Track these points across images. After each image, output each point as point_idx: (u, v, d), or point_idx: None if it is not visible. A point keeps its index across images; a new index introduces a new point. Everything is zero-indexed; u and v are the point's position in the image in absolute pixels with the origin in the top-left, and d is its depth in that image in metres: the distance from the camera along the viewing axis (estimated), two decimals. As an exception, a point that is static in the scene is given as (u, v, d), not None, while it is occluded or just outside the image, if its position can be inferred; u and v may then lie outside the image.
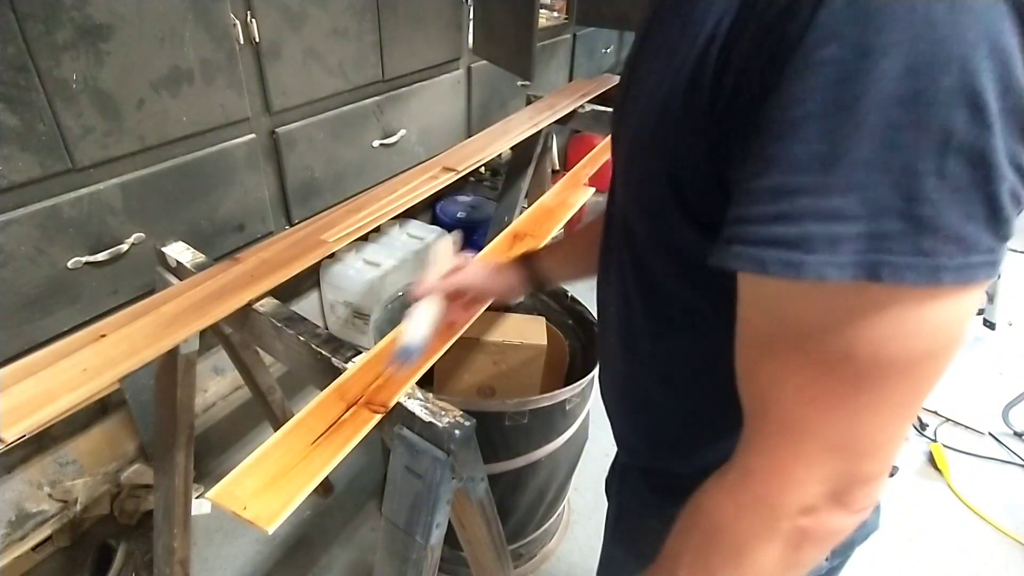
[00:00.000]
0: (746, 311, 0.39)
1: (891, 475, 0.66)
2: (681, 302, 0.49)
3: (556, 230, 1.29)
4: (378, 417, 0.74)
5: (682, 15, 0.40)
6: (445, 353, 0.90)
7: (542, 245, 0.88)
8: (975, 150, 0.30)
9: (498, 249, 1.15)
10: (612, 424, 0.68)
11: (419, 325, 0.77)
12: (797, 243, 0.33)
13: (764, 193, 0.34)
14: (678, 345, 0.49)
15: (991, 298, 2.43)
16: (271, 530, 0.61)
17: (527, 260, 0.85)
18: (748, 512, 0.41)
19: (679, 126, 0.41)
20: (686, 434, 0.56)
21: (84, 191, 1.23)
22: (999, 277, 2.33)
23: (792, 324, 0.36)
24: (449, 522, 0.81)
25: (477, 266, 0.87)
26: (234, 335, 1.28)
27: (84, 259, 1.25)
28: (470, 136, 1.80)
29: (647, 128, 0.45)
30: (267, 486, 0.65)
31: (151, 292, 0.98)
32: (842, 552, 0.62)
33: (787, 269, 0.33)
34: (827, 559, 0.59)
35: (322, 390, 0.79)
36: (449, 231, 2.41)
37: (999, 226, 0.32)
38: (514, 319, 1.34)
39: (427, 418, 0.75)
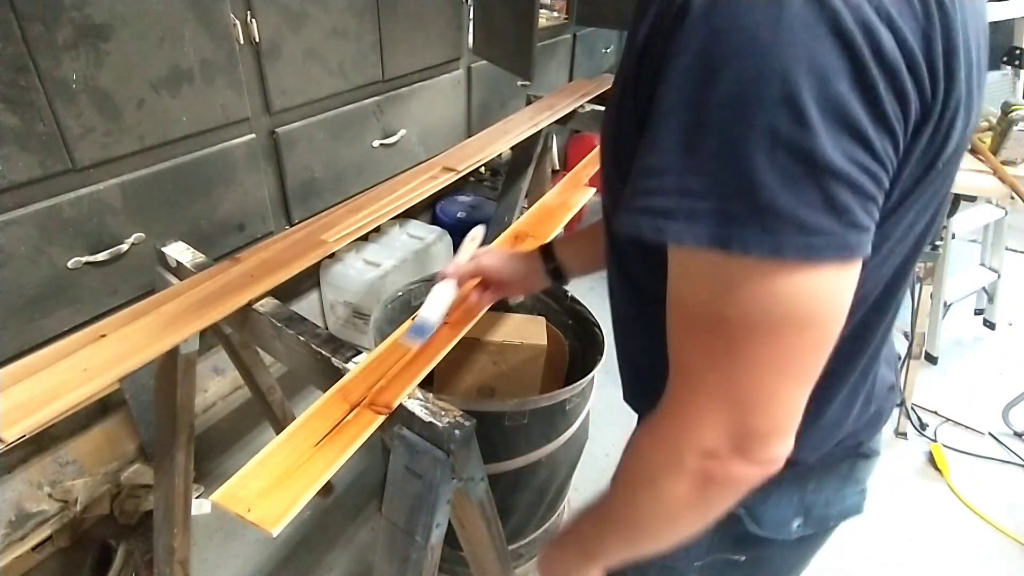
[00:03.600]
0: (670, 282, 0.45)
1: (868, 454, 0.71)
2: (646, 283, 0.55)
3: (557, 230, 1.29)
4: (381, 418, 0.74)
5: (634, 26, 0.47)
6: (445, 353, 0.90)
7: (559, 238, 0.93)
8: (800, 147, 0.36)
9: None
10: (622, 379, 0.74)
11: (435, 305, 0.83)
12: (663, 213, 0.40)
13: (643, 171, 0.41)
14: (650, 320, 0.54)
15: (991, 298, 2.43)
16: (276, 532, 0.60)
17: (546, 251, 0.89)
18: (659, 446, 0.48)
19: (622, 121, 0.48)
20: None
21: (84, 191, 1.23)
22: (998, 277, 2.33)
23: (688, 292, 0.44)
24: (449, 522, 0.81)
25: (497, 255, 0.92)
26: (234, 335, 1.28)
27: (84, 259, 1.25)
28: (470, 136, 1.80)
29: (609, 123, 0.53)
30: (271, 488, 0.65)
31: (151, 292, 0.98)
32: (817, 524, 0.67)
33: (656, 233, 0.40)
34: (798, 525, 0.66)
35: (323, 390, 0.79)
36: (449, 231, 2.41)
37: (841, 214, 0.38)
38: (514, 319, 1.34)
39: (427, 418, 0.75)
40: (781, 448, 0.45)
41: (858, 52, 0.36)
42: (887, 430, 2.08)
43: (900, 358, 2.04)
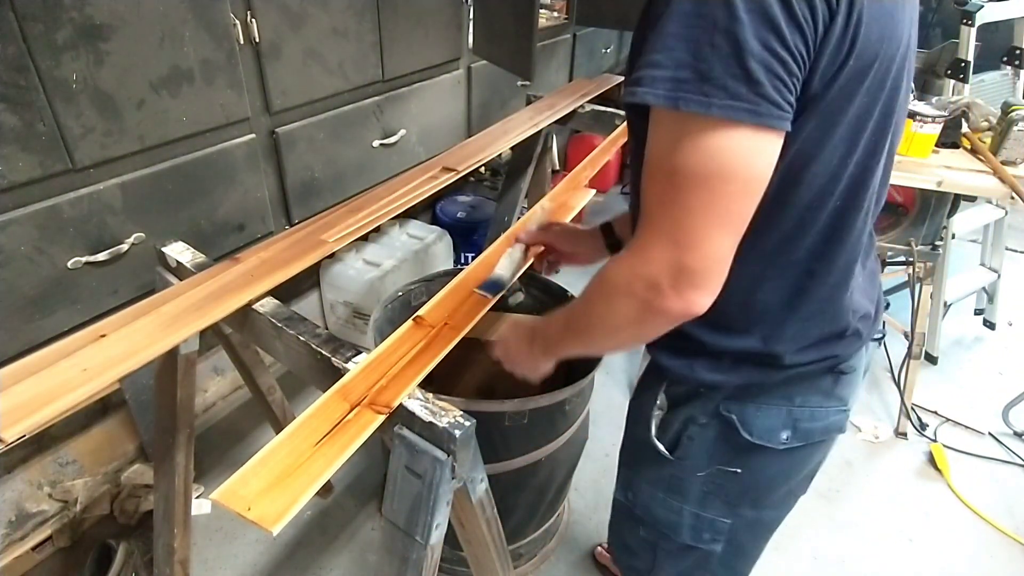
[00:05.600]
0: (647, 145, 0.58)
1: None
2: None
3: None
4: (381, 418, 0.74)
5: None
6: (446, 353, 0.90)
7: (616, 216, 1.04)
8: (731, 33, 0.50)
9: (499, 250, 1.15)
10: None
11: (507, 266, 0.99)
12: (637, 81, 0.55)
13: (641, 58, 0.56)
14: None
15: (991, 298, 2.43)
16: (276, 531, 0.60)
17: (606, 228, 1.02)
18: (619, 273, 0.62)
19: (638, 39, 0.62)
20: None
21: (84, 191, 1.23)
22: (998, 277, 2.33)
23: (653, 148, 0.57)
24: (449, 522, 0.81)
25: (566, 228, 1.07)
26: (234, 335, 1.28)
27: (84, 259, 1.25)
28: (470, 136, 1.80)
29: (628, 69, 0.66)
30: (271, 487, 0.65)
31: (151, 292, 0.98)
32: (803, 437, 0.78)
33: (631, 96, 0.55)
34: (787, 437, 0.77)
35: (323, 390, 0.79)
36: (449, 231, 2.41)
37: (754, 85, 0.51)
38: (514, 319, 1.34)
39: (427, 418, 0.75)
40: (703, 293, 0.58)
41: None
42: (887, 429, 2.09)
43: (900, 359, 2.04)
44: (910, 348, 1.98)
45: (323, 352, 0.85)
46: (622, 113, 2.00)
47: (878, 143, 0.64)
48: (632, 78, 0.56)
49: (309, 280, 2.17)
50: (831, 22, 0.53)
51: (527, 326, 0.86)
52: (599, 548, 1.62)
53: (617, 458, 0.98)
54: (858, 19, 0.54)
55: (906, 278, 2.07)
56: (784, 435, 0.77)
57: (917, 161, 1.70)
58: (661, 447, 0.83)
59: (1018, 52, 2.29)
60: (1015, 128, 1.66)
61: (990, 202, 2.24)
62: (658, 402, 0.83)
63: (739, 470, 0.80)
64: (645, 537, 0.92)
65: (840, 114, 0.59)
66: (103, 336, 0.84)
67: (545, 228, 1.06)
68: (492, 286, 0.94)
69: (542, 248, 1.08)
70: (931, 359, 2.32)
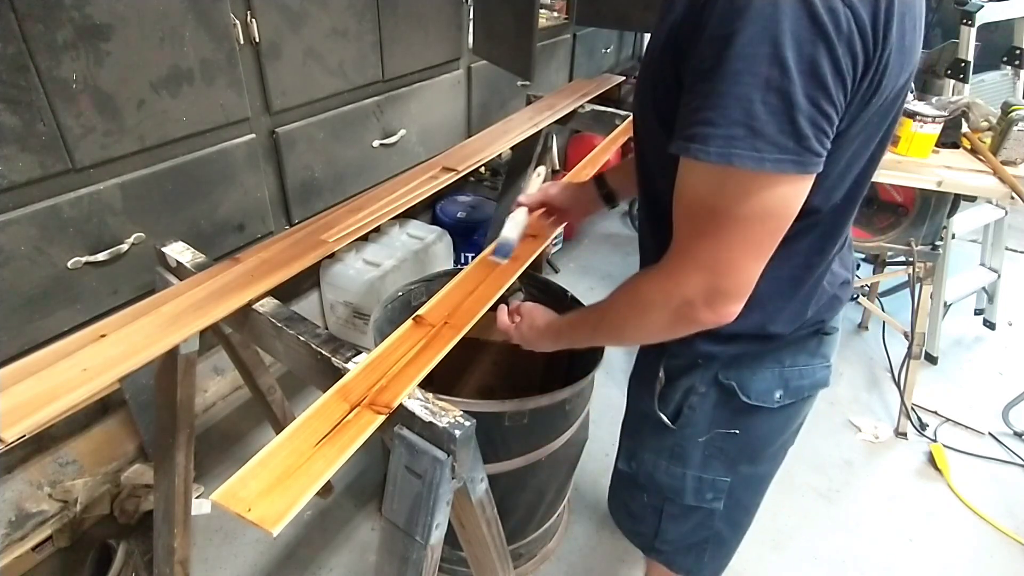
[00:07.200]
0: (678, 183, 0.63)
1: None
2: (666, 199, 0.70)
3: (558, 231, 1.29)
4: (381, 419, 0.74)
5: (664, 14, 0.64)
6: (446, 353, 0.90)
7: (607, 169, 1.13)
8: (783, 92, 0.53)
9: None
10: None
11: (513, 228, 1.02)
12: (691, 138, 0.57)
13: (685, 112, 0.59)
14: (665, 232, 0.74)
15: (991, 298, 2.44)
16: (276, 532, 0.60)
17: (599, 180, 1.08)
18: (655, 289, 0.68)
19: (659, 71, 0.65)
20: None
21: (84, 191, 1.23)
22: (998, 277, 2.33)
23: (691, 190, 0.61)
24: (449, 522, 0.81)
25: (560, 186, 1.12)
26: (234, 335, 1.28)
27: (84, 259, 1.25)
28: (470, 136, 1.80)
29: (647, 76, 0.71)
30: (271, 487, 0.65)
31: (151, 292, 0.98)
32: (794, 394, 0.86)
33: (684, 152, 0.58)
34: (779, 396, 0.85)
35: (323, 390, 0.79)
36: (449, 231, 2.41)
37: (802, 140, 0.54)
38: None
39: (427, 418, 0.75)
40: (735, 306, 0.64)
41: (825, 27, 0.52)
42: (887, 430, 2.09)
43: (900, 359, 2.04)
44: (910, 348, 1.97)
45: (323, 352, 0.85)
46: (622, 113, 2.00)
47: (878, 151, 0.70)
48: (682, 132, 0.58)
49: (309, 280, 2.17)
50: (866, 69, 0.56)
51: (546, 321, 0.93)
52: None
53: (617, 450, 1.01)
54: (887, 61, 0.57)
55: (906, 278, 2.07)
56: (777, 394, 0.84)
57: (917, 161, 1.70)
58: (664, 418, 0.88)
59: (1018, 52, 2.29)
60: (1015, 128, 1.66)
61: (990, 202, 2.24)
62: (659, 375, 0.87)
63: (737, 431, 0.87)
64: (649, 503, 0.97)
65: (857, 138, 0.63)
66: (103, 336, 0.84)
67: (543, 189, 1.12)
68: (502, 249, 1.01)
69: (543, 209, 1.14)
70: (931, 359, 2.32)
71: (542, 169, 1.18)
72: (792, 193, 0.58)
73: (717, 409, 0.85)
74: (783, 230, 0.61)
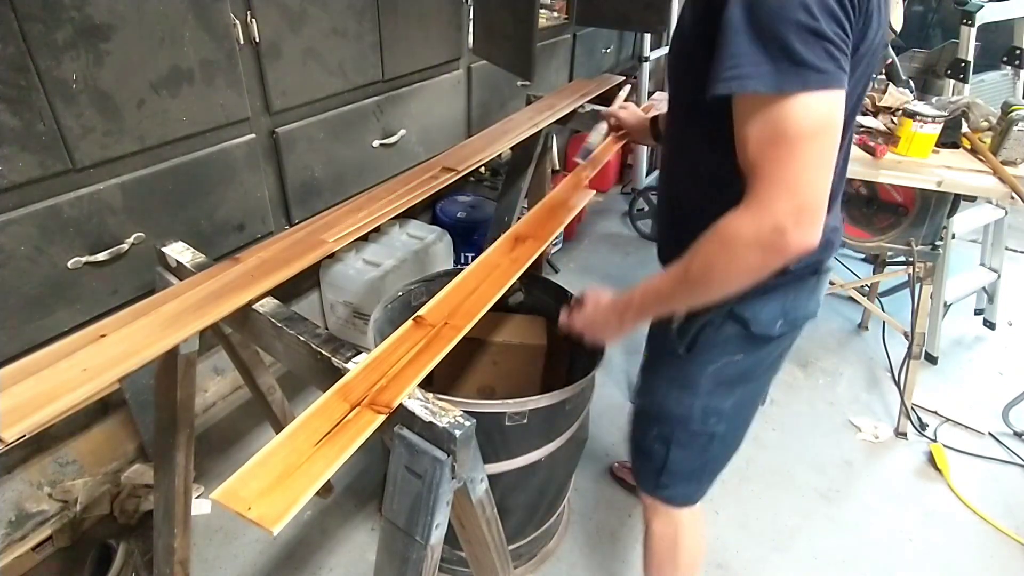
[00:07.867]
0: (738, 126, 0.74)
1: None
2: (697, 145, 0.89)
3: (557, 232, 1.29)
4: (381, 418, 0.74)
5: None
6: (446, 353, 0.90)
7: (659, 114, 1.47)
8: (813, 28, 0.67)
9: (499, 250, 1.15)
10: (659, 236, 1.11)
11: (595, 138, 1.53)
12: (742, 76, 0.69)
13: (726, 58, 0.70)
14: (690, 169, 0.92)
15: (991, 298, 2.44)
16: (276, 531, 0.60)
17: (653, 120, 1.45)
18: (744, 227, 0.73)
19: (693, 31, 0.80)
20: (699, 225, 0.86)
21: (84, 191, 1.23)
22: (998, 277, 2.33)
23: (756, 124, 0.71)
24: (449, 522, 0.81)
25: (631, 109, 1.54)
26: (234, 335, 1.28)
27: (84, 259, 1.25)
28: (470, 136, 1.80)
29: (681, 43, 0.87)
30: (271, 487, 0.64)
31: (151, 292, 0.98)
32: (790, 325, 0.97)
33: (740, 87, 0.70)
34: (780, 325, 0.96)
35: (323, 390, 0.79)
36: (449, 231, 2.41)
37: (833, 60, 0.68)
38: (514, 319, 1.34)
39: (427, 418, 0.75)
40: (818, 227, 0.71)
41: None
42: (887, 430, 2.09)
43: (900, 359, 2.04)
44: (910, 348, 1.98)
45: (323, 352, 0.85)
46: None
47: (863, 91, 0.86)
48: (729, 72, 0.70)
49: (309, 280, 2.17)
50: (857, 14, 0.71)
51: (610, 301, 0.99)
52: (615, 464, 1.82)
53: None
54: (869, 12, 0.73)
55: (906, 278, 2.07)
56: (778, 324, 0.96)
57: (917, 161, 1.70)
58: (681, 349, 1.00)
59: (1018, 52, 2.30)
60: (1015, 128, 1.66)
61: (990, 202, 2.24)
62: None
63: (740, 356, 0.99)
64: (659, 434, 1.09)
65: (856, 67, 0.76)
66: (103, 336, 0.84)
67: (621, 106, 1.54)
68: (585, 152, 1.46)
69: (616, 122, 1.54)
70: (931, 359, 2.32)
71: (628, 88, 1.71)
72: (837, 106, 0.70)
73: (729, 340, 0.97)
74: (837, 142, 0.71)
